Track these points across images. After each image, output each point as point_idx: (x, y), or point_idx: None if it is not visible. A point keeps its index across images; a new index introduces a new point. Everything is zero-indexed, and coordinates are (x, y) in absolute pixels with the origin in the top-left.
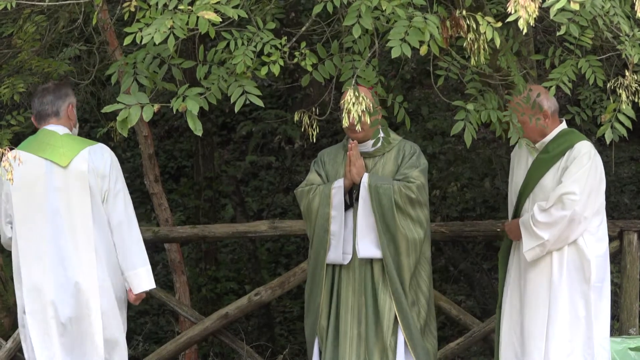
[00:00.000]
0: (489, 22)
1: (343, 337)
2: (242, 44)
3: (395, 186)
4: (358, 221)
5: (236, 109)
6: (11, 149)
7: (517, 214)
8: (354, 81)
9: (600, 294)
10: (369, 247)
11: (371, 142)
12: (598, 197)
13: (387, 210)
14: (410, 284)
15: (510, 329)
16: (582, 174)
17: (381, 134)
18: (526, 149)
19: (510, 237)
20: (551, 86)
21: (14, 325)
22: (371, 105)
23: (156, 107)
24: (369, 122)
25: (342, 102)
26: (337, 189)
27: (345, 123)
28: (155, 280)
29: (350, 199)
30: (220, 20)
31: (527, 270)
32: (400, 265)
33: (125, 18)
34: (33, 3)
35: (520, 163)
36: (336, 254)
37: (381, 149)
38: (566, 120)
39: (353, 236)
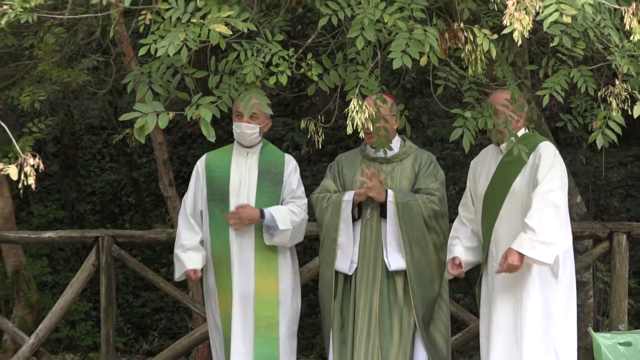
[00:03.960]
0: (485, 34)
1: (356, 334)
2: (252, 55)
3: (420, 201)
4: (387, 237)
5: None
6: (33, 155)
7: (492, 218)
8: (357, 90)
9: (568, 289)
10: (399, 260)
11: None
12: (566, 194)
13: (416, 224)
14: (432, 290)
15: (497, 329)
16: (555, 170)
17: (398, 140)
18: (491, 155)
19: (514, 269)
20: (544, 95)
21: (37, 322)
22: (374, 113)
23: (171, 114)
24: (371, 128)
25: (348, 109)
26: (347, 202)
27: (349, 130)
28: (170, 280)
29: (359, 213)
30: (231, 32)
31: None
32: (425, 274)
33: (141, 30)
34: (53, 16)
35: (483, 170)
36: (343, 263)
37: (399, 155)
38: (559, 127)
39: (360, 247)
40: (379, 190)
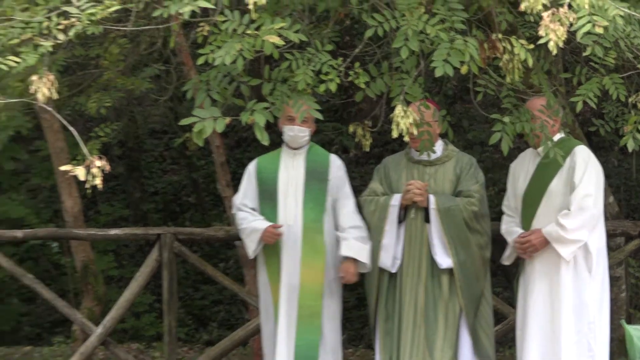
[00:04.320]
0: (522, 45)
1: (402, 326)
2: (303, 64)
3: (460, 205)
4: (434, 239)
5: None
6: (100, 157)
7: (529, 217)
8: (402, 97)
9: (601, 283)
10: (447, 260)
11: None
12: (602, 194)
13: (459, 227)
14: (477, 287)
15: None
16: (590, 174)
17: (441, 143)
18: (529, 157)
19: (530, 247)
20: (578, 101)
21: (104, 314)
22: (418, 119)
23: (227, 120)
24: (415, 133)
25: (393, 114)
26: (393, 207)
27: (395, 134)
28: (228, 274)
29: (404, 215)
30: (283, 43)
31: (535, 267)
32: (471, 273)
33: (199, 41)
34: (117, 28)
35: (522, 172)
36: (387, 261)
37: (441, 158)
38: (592, 132)
39: (405, 245)
40: (423, 193)
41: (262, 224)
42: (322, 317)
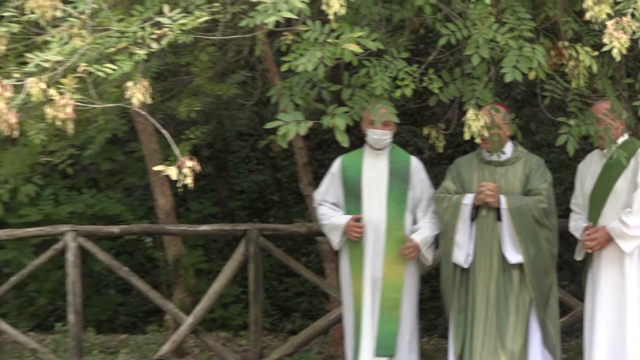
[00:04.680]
0: (587, 52)
1: (475, 317)
2: (380, 70)
3: (530, 204)
4: (505, 237)
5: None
6: (190, 158)
7: (596, 215)
8: (473, 101)
9: None
10: (517, 256)
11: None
12: None
13: (529, 225)
14: (546, 281)
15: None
16: None
17: (511, 145)
18: (596, 158)
19: (594, 243)
20: None
21: (194, 304)
22: (488, 121)
23: (309, 123)
24: (486, 135)
25: (466, 117)
26: (465, 205)
27: (467, 136)
28: (309, 267)
29: (475, 213)
30: (362, 50)
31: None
32: (540, 268)
33: (283, 49)
34: (207, 37)
35: (589, 173)
36: (460, 257)
37: (511, 159)
38: None
39: (477, 241)
40: (495, 194)
41: (341, 219)
42: (402, 308)
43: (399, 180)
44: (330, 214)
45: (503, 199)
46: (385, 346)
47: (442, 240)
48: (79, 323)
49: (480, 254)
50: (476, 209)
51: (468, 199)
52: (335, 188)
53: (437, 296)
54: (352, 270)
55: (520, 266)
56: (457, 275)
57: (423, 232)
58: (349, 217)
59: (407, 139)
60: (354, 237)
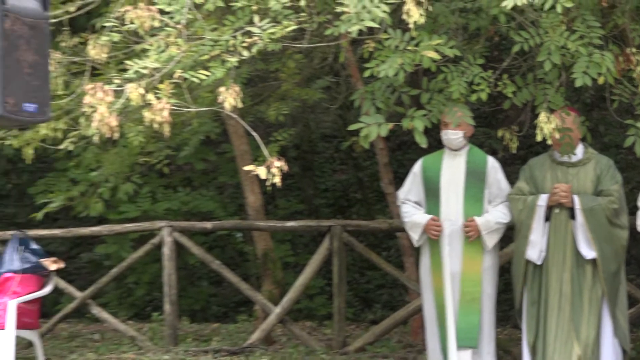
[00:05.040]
0: None
1: (548, 309)
2: (457, 76)
3: (602, 204)
4: (579, 236)
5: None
6: (278, 158)
7: None
8: (545, 105)
9: None
10: (591, 253)
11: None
12: None
13: (602, 225)
14: (618, 276)
15: None
16: None
17: (581, 147)
18: None
19: None
20: None
21: (281, 295)
22: (560, 124)
23: (390, 125)
24: (558, 137)
25: (538, 120)
26: (540, 207)
27: (539, 138)
28: (390, 261)
29: (549, 214)
30: (440, 57)
31: None
32: (612, 265)
33: (365, 56)
34: (294, 45)
35: None
36: (533, 254)
37: (582, 160)
38: None
39: (550, 238)
40: (568, 195)
41: (422, 217)
42: (481, 301)
43: (475, 180)
44: (412, 212)
45: (577, 199)
46: (468, 338)
47: (516, 238)
48: (174, 312)
49: (553, 250)
50: (549, 208)
51: (542, 200)
52: (417, 187)
53: (509, 289)
54: (432, 265)
55: (592, 261)
56: (529, 270)
57: (486, 216)
58: (429, 216)
59: (482, 141)
60: (433, 236)
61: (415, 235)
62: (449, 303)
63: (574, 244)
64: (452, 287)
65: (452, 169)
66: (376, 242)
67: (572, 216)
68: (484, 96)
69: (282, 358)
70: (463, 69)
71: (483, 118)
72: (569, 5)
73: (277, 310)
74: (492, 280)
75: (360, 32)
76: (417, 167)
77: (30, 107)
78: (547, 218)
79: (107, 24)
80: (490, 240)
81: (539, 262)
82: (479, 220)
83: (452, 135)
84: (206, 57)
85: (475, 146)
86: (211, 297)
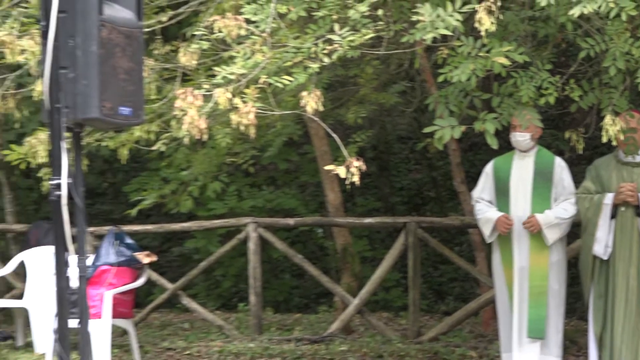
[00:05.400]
0: None
1: (616, 300)
2: (526, 80)
3: None
4: None
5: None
6: (357, 159)
7: None
8: (610, 108)
9: None
10: None
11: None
12: None
13: None
14: None
15: None
16: None
17: None
18: None
19: None
20: None
21: (359, 288)
22: (624, 126)
23: (462, 128)
24: (622, 138)
25: (603, 122)
26: (606, 205)
27: (604, 139)
28: (462, 256)
29: (615, 212)
30: (510, 63)
31: None
32: None
33: (439, 62)
34: (371, 52)
35: None
36: (600, 249)
37: None
38: None
39: (617, 234)
40: (634, 194)
41: (495, 214)
42: (548, 294)
43: (543, 179)
44: (485, 210)
45: None
46: (536, 329)
47: (583, 235)
48: (259, 303)
49: (619, 246)
50: (615, 207)
51: (608, 199)
52: (489, 187)
53: (575, 282)
54: (503, 260)
55: None
56: (596, 265)
57: (547, 212)
58: (500, 213)
59: (549, 142)
60: (503, 232)
61: (487, 231)
62: (516, 297)
63: (639, 241)
64: (521, 281)
65: (521, 169)
66: (449, 238)
67: (638, 214)
68: (551, 100)
69: (360, 346)
70: (532, 74)
71: (551, 121)
72: (634, 13)
73: (355, 302)
74: (559, 275)
75: (435, 40)
76: (489, 167)
77: (125, 110)
78: (613, 216)
79: (196, 33)
80: (551, 235)
81: (605, 257)
82: (539, 215)
83: (520, 137)
84: (289, 63)
85: (543, 147)
86: (293, 289)
